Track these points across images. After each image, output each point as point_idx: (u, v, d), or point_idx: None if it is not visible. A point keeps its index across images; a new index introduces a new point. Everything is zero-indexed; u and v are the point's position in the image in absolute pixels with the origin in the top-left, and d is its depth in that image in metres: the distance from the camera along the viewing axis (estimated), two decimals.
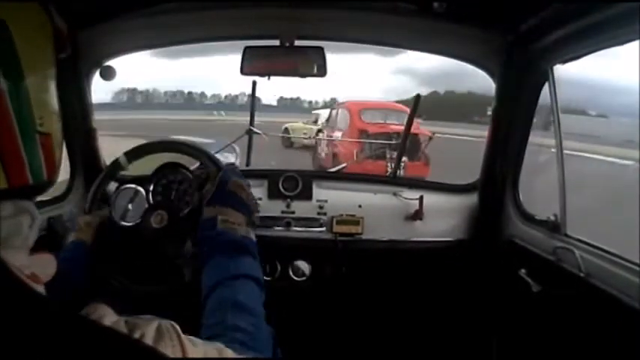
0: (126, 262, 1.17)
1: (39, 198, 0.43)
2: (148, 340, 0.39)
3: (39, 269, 0.37)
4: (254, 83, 1.83)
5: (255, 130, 1.87)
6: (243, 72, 1.37)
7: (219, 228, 0.81)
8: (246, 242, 0.81)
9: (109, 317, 0.38)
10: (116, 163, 1.22)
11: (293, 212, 1.58)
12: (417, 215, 1.56)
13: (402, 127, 4.67)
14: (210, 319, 0.65)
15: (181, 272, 1.11)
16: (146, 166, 1.32)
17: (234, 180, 0.92)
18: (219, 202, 0.86)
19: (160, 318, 0.43)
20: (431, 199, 1.59)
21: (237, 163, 1.59)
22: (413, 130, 4.56)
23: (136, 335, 0.38)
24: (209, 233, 0.81)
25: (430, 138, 5.24)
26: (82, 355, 0.31)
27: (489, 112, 1.47)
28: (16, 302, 0.31)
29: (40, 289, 0.37)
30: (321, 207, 1.58)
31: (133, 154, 1.22)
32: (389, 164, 4.49)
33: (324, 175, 1.73)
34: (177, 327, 0.43)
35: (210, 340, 0.58)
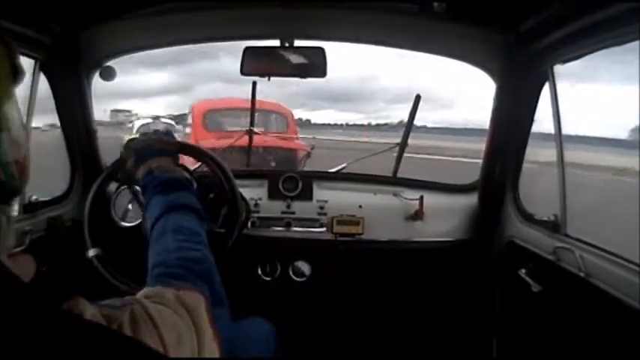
0: (126, 263, 1.17)
1: (40, 199, 0.43)
2: (126, 330, 0.40)
3: (19, 271, 0.38)
4: (254, 84, 1.83)
5: (255, 130, 1.87)
6: (243, 72, 1.37)
7: (156, 173, 0.84)
8: (181, 179, 0.85)
9: (89, 311, 0.39)
10: (121, 161, 1.22)
11: (293, 212, 1.58)
12: (418, 215, 1.56)
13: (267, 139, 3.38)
14: (154, 247, 0.68)
15: None
16: None
17: (140, 139, 0.96)
18: (143, 159, 0.89)
19: (128, 301, 0.45)
20: (431, 199, 1.59)
21: None
22: (286, 145, 3.85)
23: (114, 327, 0.40)
24: (148, 181, 0.84)
25: (308, 154, 3.82)
26: (67, 352, 0.31)
27: None
28: (2, 296, 0.32)
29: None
30: (321, 207, 1.58)
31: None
32: None
33: (324, 176, 1.73)
34: (144, 301, 0.45)
35: (155, 267, 0.61)
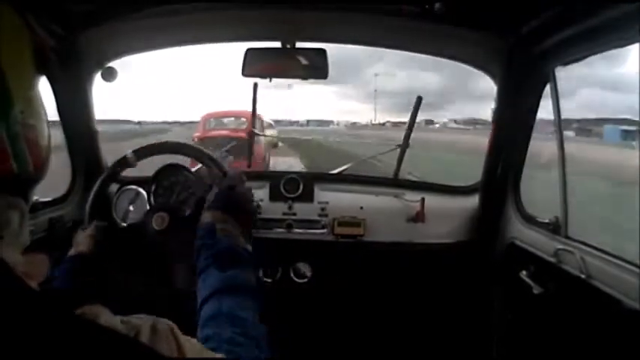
0: (126, 264, 1.17)
1: (41, 199, 0.43)
2: (144, 339, 0.39)
3: (32, 269, 0.37)
4: (255, 85, 1.83)
5: (256, 132, 1.87)
6: (244, 74, 1.37)
7: (219, 236, 0.79)
8: (244, 253, 0.79)
9: (104, 316, 0.39)
10: (123, 160, 1.21)
11: (294, 214, 1.57)
12: (419, 217, 1.56)
13: (234, 132, 6.42)
14: (204, 330, 0.64)
15: (180, 276, 1.10)
16: (146, 167, 1.32)
17: (241, 189, 0.90)
18: (221, 208, 0.83)
19: (155, 317, 0.43)
20: (432, 201, 1.59)
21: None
22: (238, 134, 5.75)
23: (131, 334, 0.39)
24: (208, 241, 0.78)
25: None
26: (78, 354, 0.31)
27: None
28: (12, 298, 0.32)
29: (34, 285, 0.37)
30: (322, 209, 1.58)
31: (141, 153, 1.21)
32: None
33: (325, 177, 1.73)
34: (175, 327, 0.44)
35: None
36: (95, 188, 1.21)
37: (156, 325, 0.41)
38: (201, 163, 1.20)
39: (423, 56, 1.51)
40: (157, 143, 1.25)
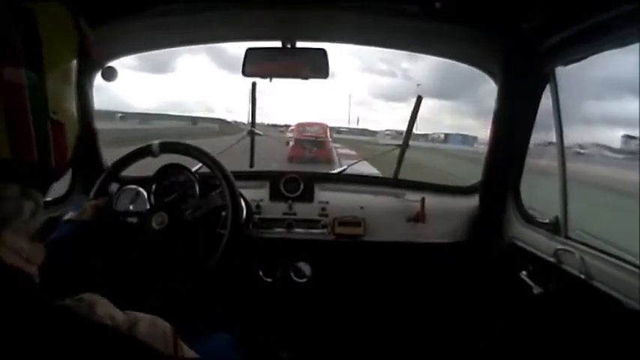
0: (123, 262, 1.17)
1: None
2: (141, 329, 0.40)
3: (33, 255, 0.39)
4: (253, 84, 1.83)
5: (256, 131, 1.87)
6: (244, 73, 1.37)
7: None
8: None
9: (101, 306, 0.39)
10: (147, 149, 1.21)
11: (295, 214, 1.57)
12: (419, 217, 1.56)
13: (317, 135, 12.34)
14: None
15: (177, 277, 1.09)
16: (147, 167, 1.32)
17: None
18: None
19: (158, 317, 0.44)
20: (433, 201, 1.59)
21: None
22: (317, 136, 12.30)
23: (127, 325, 0.40)
24: None
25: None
26: (71, 347, 0.31)
27: None
28: (6, 290, 0.33)
29: (33, 270, 0.39)
30: (322, 209, 1.58)
31: (166, 147, 1.21)
32: (307, 152, 11.13)
33: (325, 177, 1.73)
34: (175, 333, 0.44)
35: None
36: (100, 180, 1.21)
37: (156, 321, 0.42)
38: (203, 164, 1.21)
39: None
40: (186, 144, 1.25)
